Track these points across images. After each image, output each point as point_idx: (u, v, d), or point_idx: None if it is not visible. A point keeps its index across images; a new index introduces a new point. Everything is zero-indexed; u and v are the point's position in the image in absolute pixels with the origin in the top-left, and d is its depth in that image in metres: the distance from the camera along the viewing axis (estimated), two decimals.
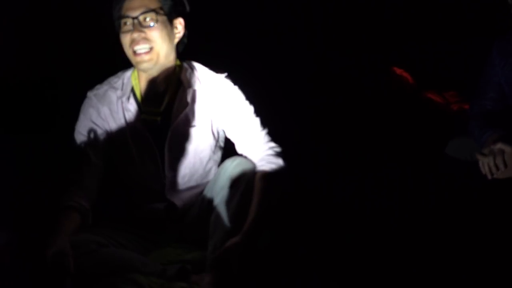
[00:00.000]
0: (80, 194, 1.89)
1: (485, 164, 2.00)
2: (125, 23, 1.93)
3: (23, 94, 2.57)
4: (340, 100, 3.01)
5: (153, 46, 1.93)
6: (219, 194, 1.87)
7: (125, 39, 1.93)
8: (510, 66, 2.15)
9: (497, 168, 1.98)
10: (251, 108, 2.04)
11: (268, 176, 1.93)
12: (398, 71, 3.14)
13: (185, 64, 2.05)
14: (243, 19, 3.05)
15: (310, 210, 2.30)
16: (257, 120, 2.04)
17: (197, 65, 2.08)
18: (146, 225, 2.00)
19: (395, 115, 2.93)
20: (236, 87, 2.05)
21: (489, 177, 2.00)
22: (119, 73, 2.07)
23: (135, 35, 1.91)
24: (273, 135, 2.06)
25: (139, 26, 1.91)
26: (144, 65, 1.94)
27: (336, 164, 2.63)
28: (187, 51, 2.10)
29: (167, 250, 1.95)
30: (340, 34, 3.21)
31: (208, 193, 1.97)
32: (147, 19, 1.92)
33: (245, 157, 1.97)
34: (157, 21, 1.92)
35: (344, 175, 2.53)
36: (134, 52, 1.93)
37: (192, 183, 2.03)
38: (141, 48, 1.92)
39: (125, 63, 2.03)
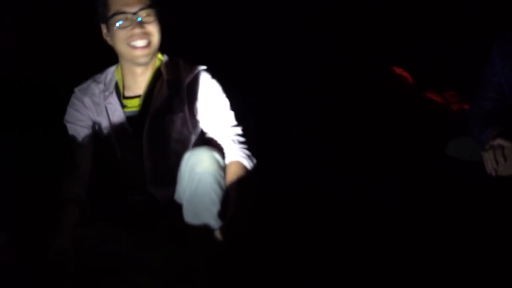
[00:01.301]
0: (76, 184, 1.93)
1: (487, 160, 2.01)
2: (124, 19, 1.93)
3: (23, 94, 2.58)
4: (340, 100, 3.02)
5: (151, 40, 1.96)
6: (186, 188, 1.86)
7: (123, 35, 1.94)
8: (510, 66, 2.15)
9: (497, 162, 1.99)
10: (226, 102, 2.05)
11: (242, 169, 1.93)
12: (398, 70, 3.14)
13: (165, 56, 2.07)
14: (243, 19, 3.06)
15: (309, 209, 2.30)
16: (231, 114, 2.04)
17: (177, 58, 2.09)
18: (136, 222, 1.99)
19: (395, 115, 2.93)
20: (214, 80, 2.06)
21: (493, 173, 2.00)
22: (105, 70, 2.10)
23: (137, 30, 1.93)
24: (273, 135, 2.05)
25: (138, 21, 1.93)
26: (143, 59, 1.97)
27: (336, 164, 2.63)
28: (190, 50, 2.11)
29: (164, 250, 1.94)
30: (340, 33, 3.21)
31: (179, 188, 1.96)
32: (146, 15, 1.94)
33: (204, 146, 1.94)
34: (154, 16, 1.95)
35: (344, 175, 2.53)
36: (133, 47, 1.95)
37: (173, 177, 2.00)
38: (140, 43, 1.94)
39: None
